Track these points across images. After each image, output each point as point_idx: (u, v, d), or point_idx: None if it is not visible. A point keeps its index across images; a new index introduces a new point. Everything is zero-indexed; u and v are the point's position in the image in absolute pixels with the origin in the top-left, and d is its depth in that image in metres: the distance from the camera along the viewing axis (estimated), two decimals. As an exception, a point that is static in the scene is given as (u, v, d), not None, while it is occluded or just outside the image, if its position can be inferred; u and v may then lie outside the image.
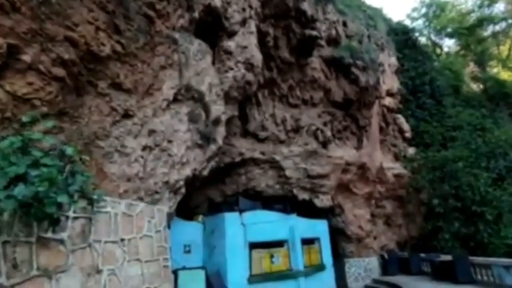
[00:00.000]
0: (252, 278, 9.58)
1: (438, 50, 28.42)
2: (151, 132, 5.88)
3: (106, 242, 4.15)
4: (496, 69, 27.49)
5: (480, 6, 26.21)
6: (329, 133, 12.80)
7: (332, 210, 13.35)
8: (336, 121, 13.22)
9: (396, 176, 15.27)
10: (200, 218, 10.81)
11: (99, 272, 3.92)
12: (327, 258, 12.37)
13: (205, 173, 7.65)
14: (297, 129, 12.24)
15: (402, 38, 19.81)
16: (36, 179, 2.81)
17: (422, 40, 26.37)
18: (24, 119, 3.32)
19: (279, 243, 10.68)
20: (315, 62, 12.18)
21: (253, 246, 10.02)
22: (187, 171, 6.70)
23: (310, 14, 10.77)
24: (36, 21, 3.90)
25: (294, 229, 10.92)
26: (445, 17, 27.22)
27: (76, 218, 3.66)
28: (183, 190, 6.71)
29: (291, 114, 12.17)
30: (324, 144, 12.60)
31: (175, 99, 6.57)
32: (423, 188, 14.95)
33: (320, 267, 11.83)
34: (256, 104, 11.46)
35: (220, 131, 7.96)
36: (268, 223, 10.58)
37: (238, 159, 10.95)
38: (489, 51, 27.00)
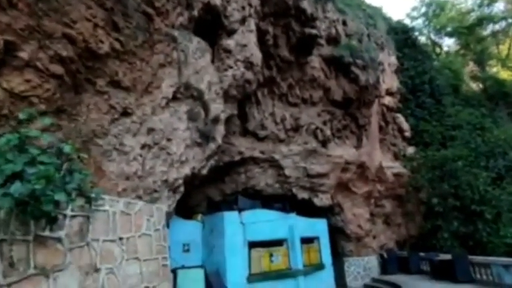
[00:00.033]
0: (251, 277, 9.57)
1: (438, 49, 28.41)
2: (150, 130, 5.85)
3: (104, 240, 4.12)
4: (495, 69, 27.49)
5: (480, 6, 26.21)
6: (328, 132, 12.78)
7: (331, 209, 13.34)
8: (335, 120, 13.20)
9: (396, 175, 15.27)
10: (199, 217, 10.79)
11: (97, 270, 3.90)
12: (327, 257, 12.37)
13: (205, 171, 7.63)
14: (296, 128, 12.22)
15: (402, 37, 19.80)
16: (33, 176, 2.78)
17: (422, 39, 26.37)
18: (21, 116, 3.28)
19: (278, 242, 10.67)
20: (314, 60, 12.14)
21: (253, 245, 10.00)
22: (186, 170, 6.67)
23: (310, 13, 10.73)
24: (34, 17, 3.86)
25: (294, 228, 10.91)
26: (445, 16, 27.21)
27: (73, 217, 3.63)
28: (182, 189, 6.69)
29: (290, 113, 12.14)
30: (324, 143, 12.58)
31: (174, 98, 6.54)
32: (422, 187, 14.95)
33: (319, 266, 11.82)
34: (256, 102, 11.43)
35: (220, 130, 7.93)
36: (268, 222, 10.57)
37: (237, 158, 10.92)
38: (489, 50, 26.99)
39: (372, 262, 13.97)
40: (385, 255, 14.12)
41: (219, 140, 7.89)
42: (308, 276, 10.73)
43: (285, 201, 12.11)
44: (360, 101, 13.27)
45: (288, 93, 12.02)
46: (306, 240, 11.48)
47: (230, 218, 9.90)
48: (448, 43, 29.98)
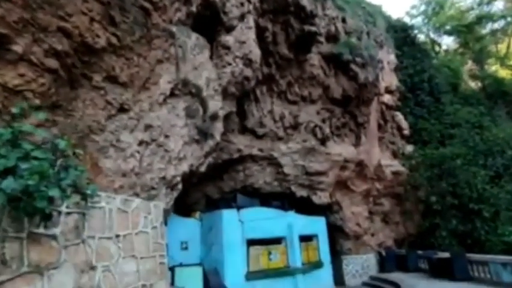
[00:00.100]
0: (250, 275, 9.54)
1: (437, 48, 28.37)
2: (148, 127, 5.78)
3: (100, 238, 4.06)
4: (494, 67, 27.47)
5: (479, 4, 26.16)
6: (327, 130, 12.74)
7: (330, 207, 13.33)
8: (334, 118, 13.15)
9: (394, 173, 15.26)
10: (197, 214, 10.75)
11: (93, 268, 3.84)
12: (325, 255, 12.37)
13: (203, 169, 7.57)
14: (295, 126, 12.17)
15: (401, 35, 19.76)
16: (26, 172, 2.71)
17: (421, 37, 26.28)
18: (14, 110, 3.20)
19: (276, 240, 10.65)
20: (314, 58, 12.07)
21: (251, 243, 9.98)
22: (184, 167, 6.61)
23: (310, 10, 10.66)
24: (28, 10, 3.78)
25: (292, 226, 10.89)
26: (444, 15, 27.16)
27: (69, 213, 3.56)
28: (180, 186, 6.63)
29: (289, 110, 12.09)
30: (323, 141, 12.54)
31: (172, 94, 6.47)
32: (421, 186, 14.95)
33: (318, 264, 11.82)
34: (255, 100, 11.37)
35: (218, 127, 7.87)
36: (266, 220, 10.53)
37: (236, 155, 10.87)
38: (488, 49, 26.96)
39: (370, 260, 13.98)
40: (383, 253, 14.13)
41: (218, 137, 7.83)
42: (307, 274, 10.72)
43: (283, 199, 12.08)
44: (359, 99, 13.22)
45: (287, 90, 11.96)
46: (305, 238, 11.47)
47: (228, 216, 9.86)
48: (447, 41, 30.09)
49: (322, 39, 12.33)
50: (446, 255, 11.13)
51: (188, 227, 10.16)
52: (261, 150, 11.36)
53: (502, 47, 27.44)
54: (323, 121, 12.78)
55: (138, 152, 5.52)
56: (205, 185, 11.01)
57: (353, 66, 12.60)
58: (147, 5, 5.80)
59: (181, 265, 8.87)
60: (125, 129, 5.33)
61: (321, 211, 13.04)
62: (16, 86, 3.74)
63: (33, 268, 3.01)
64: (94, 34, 4.67)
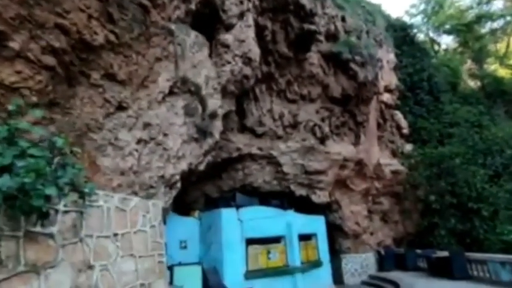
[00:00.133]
0: (249, 274, 9.52)
1: (436, 47, 28.38)
2: (146, 125, 5.74)
3: (98, 236, 4.02)
4: (493, 67, 27.49)
5: (479, 3, 26.15)
6: (326, 129, 12.72)
7: (329, 206, 13.32)
8: (334, 117, 13.14)
9: (394, 172, 15.27)
10: (196, 213, 10.72)
11: (91, 267, 3.80)
12: (324, 254, 12.36)
13: (202, 167, 7.53)
14: (294, 125, 12.15)
15: (400, 34, 19.75)
16: (23, 170, 2.67)
17: (421, 37, 26.32)
18: (11, 107, 3.16)
19: (276, 239, 10.62)
20: (313, 57, 12.05)
21: (250, 242, 9.95)
22: (183, 166, 6.57)
23: (309, 8, 10.62)
24: (25, 6, 3.73)
25: (291, 225, 10.86)
26: (443, 14, 27.16)
27: (66, 212, 3.52)
28: (179, 185, 6.59)
29: (288, 109, 12.06)
30: (322, 140, 12.52)
31: (171, 92, 6.43)
32: (420, 185, 14.97)
33: (317, 263, 11.81)
34: (254, 99, 11.33)
35: (217, 125, 7.83)
36: (265, 219, 10.51)
37: (235, 154, 10.85)
38: (487, 48, 26.99)
39: (369, 259, 13.99)
40: (382, 252, 14.15)
41: (217, 136, 7.80)
42: (306, 273, 10.71)
43: (282, 198, 12.06)
44: (358, 97, 13.21)
45: (287, 89, 11.94)
46: (304, 237, 11.45)
47: (228, 215, 9.83)
48: (447, 41, 30.10)
49: (321, 38, 12.30)
50: (445, 254, 11.15)
51: (187, 226, 10.13)
52: (260, 149, 11.33)
53: (501, 46, 27.47)
54: (322, 120, 12.77)
55: (136, 150, 5.49)
56: (204, 183, 10.98)
57: (353, 65, 12.58)
58: (146, 2, 5.75)
59: (180, 264, 8.84)
60: (124, 127, 5.29)
61: (320, 210, 13.03)
62: (13, 83, 3.70)
63: (30, 267, 2.97)
64: (91, 31, 4.62)
